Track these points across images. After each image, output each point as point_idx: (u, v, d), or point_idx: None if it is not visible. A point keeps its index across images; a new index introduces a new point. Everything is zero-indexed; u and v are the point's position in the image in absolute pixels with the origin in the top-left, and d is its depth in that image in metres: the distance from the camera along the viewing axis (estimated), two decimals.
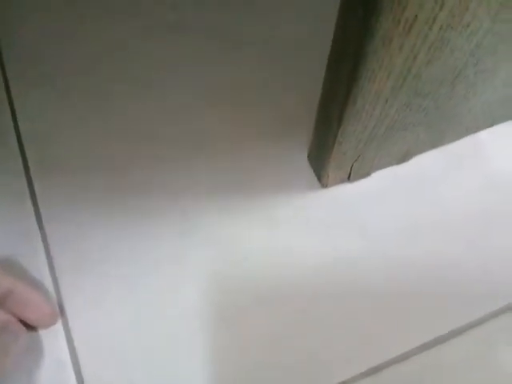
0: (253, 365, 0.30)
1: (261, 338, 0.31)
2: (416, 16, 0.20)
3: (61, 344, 0.31)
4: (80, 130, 0.37)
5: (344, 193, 0.36)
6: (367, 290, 0.33)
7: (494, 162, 0.37)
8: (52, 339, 0.31)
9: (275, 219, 0.35)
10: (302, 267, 0.33)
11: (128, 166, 0.36)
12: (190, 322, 0.31)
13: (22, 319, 0.29)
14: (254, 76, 0.40)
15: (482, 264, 0.34)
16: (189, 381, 0.30)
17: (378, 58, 0.22)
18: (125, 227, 0.34)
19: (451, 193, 0.36)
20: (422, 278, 0.33)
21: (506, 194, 0.36)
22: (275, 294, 0.32)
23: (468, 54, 0.25)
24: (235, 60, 0.41)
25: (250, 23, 0.42)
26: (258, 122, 0.38)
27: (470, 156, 0.38)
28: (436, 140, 0.36)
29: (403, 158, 0.36)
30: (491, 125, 0.38)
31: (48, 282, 0.32)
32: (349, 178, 0.35)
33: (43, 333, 0.31)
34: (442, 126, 0.33)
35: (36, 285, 0.32)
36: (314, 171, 0.36)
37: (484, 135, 0.38)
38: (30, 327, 0.30)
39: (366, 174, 0.36)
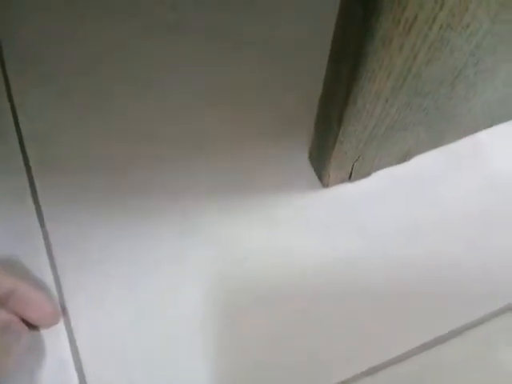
0: (253, 365, 0.30)
1: (261, 338, 0.31)
2: (416, 16, 0.20)
3: (63, 343, 0.31)
4: (80, 129, 0.37)
5: (344, 192, 0.36)
6: (367, 289, 0.33)
7: (494, 162, 0.37)
8: (54, 339, 0.31)
9: (275, 219, 0.35)
10: (302, 267, 0.33)
11: (128, 165, 0.36)
12: (189, 322, 0.31)
13: (24, 319, 0.29)
14: (253, 76, 0.40)
15: (481, 264, 0.34)
16: (189, 381, 0.30)
17: (378, 58, 0.22)
18: (125, 227, 0.34)
19: (451, 193, 0.36)
20: (421, 278, 0.33)
21: (506, 194, 0.36)
22: (275, 294, 0.32)
23: (468, 54, 0.25)
24: (235, 60, 0.41)
25: (250, 23, 0.42)
26: (258, 122, 0.38)
27: (470, 156, 0.38)
28: (436, 140, 0.36)
29: (403, 157, 0.36)
30: (491, 125, 0.38)
31: (50, 282, 0.32)
32: (350, 178, 0.35)
33: (45, 332, 0.31)
34: (442, 126, 0.33)
35: (38, 284, 0.32)
36: (315, 171, 0.36)
37: (484, 135, 0.38)
38: (32, 327, 0.30)
39: (367, 174, 0.36)
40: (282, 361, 0.31)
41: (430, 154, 0.37)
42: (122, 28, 0.42)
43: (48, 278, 0.32)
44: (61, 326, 0.31)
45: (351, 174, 0.34)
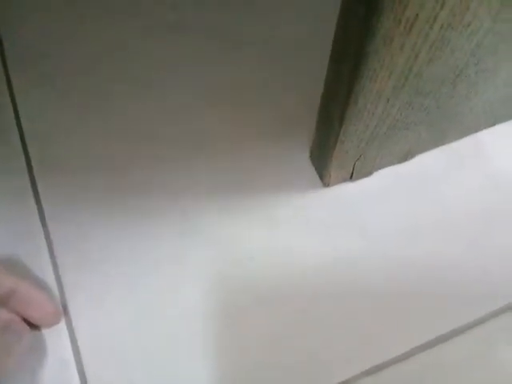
0: (253, 365, 0.30)
1: (261, 338, 0.31)
2: (417, 15, 0.20)
3: (64, 343, 0.31)
4: (80, 129, 0.37)
5: (345, 192, 0.36)
6: (367, 289, 0.33)
7: (496, 161, 0.37)
8: (55, 338, 0.31)
9: (275, 219, 0.35)
10: (302, 267, 0.33)
11: (128, 165, 0.36)
12: (190, 322, 0.31)
13: (25, 318, 0.29)
14: (254, 76, 0.40)
15: (482, 263, 0.34)
16: (189, 381, 0.30)
17: (379, 58, 0.22)
18: (125, 227, 0.34)
19: (452, 192, 0.36)
20: (422, 278, 0.33)
21: (507, 193, 0.36)
22: (275, 294, 0.32)
23: (469, 53, 0.25)
24: (235, 60, 0.41)
25: (250, 23, 0.42)
26: (258, 122, 0.38)
27: (472, 155, 0.38)
28: (437, 139, 0.36)
29: (405, 157, 0.36)
30: (493, 124, 0.38)
31: (51, 281, 0.32)
32: (351, 177, 0.35)
33: (46, 332, 0.31)
34: (444, 125, 0.33)
35: (39, 284, 0.32)
36: (316, 170, 0.36)
37: (485, 135, 0.38)
38: (33, 326, 0.30)
39: (368, 173, 0.36)
40: (282, 361, 0.30)
41: (431, 153, 0.37)
42: (121, 28, 0.42)
43: (49, 278, 0.32)
44: (62, 325, 0.31)
45: (352, 173, 0.34)
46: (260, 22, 0.42)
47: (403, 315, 0.32)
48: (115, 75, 0.40)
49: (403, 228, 0.35)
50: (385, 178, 0.36)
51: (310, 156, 0.37)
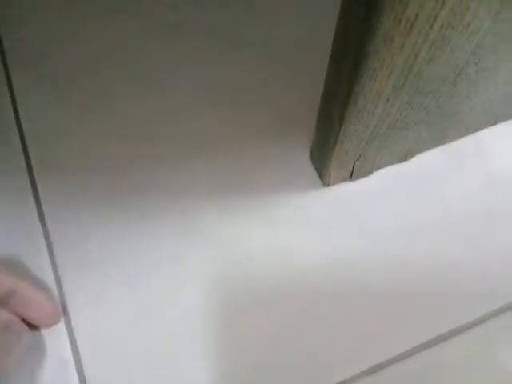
0: (253, 365, 0.30)
1: (261, 338, 0.31)
2: (417, 15, 0.20)
3: (63, 343, 0.31)
4: (80, 129, 0.37)
5: (345, 191, 0.36)
6: (367, 289, 0.33)
7: (496, 160, 0.37)
8: (54, 338, 0.31)
9: (275, 219, 0.35)
10: (302, 267, 0.33)
11: (128, 165, 0.36)
12: (190, 322, 0.31)
13: (24, 318, 0.29)
14: (254, 76, 0.40)
15: (482, 263, 0.34)
16: (189, 381, 0.30)
17: (379, 58, 0.22)
18: (125, 227, 0.34)
19: (452, 191, 0.36)
20: (422, 278, 0.33)
21: (507, 192, 0.36)
22: (275, 294, 0.32)
23: (469, 52, 0.25)
24: (235, 60, 0.41)
25: (250, 23, 0.42)
26: (258, 122, 0.38)
27: (472, 155, 0.38)
28: (437, 139, 0.36)
29: (405, 156, 0.36)
30: (493, 123, 0.38)
31: (51, 281, 0.32)
32: (351, 177, 0.35)
33: (46, 332, 0.31)
34: (444, 125, 0.33)
35: (39, 284, 0.32)
36: (316, 170, 0.36)
37: (485, 134, 0.38)
38: (32, 326, 0.30)
39: (368, 173, 0.36)
40: (282, 361, 0.30)
41: (431, 153, 0.37)
42: (122, 28, 0.42)
43: (49, 278, 0.32)
44: (61, 325, 0.31)
45: (352, 173, 0.34)
46: (260, 22, 0.42)
47: (403, 315, 0.32)
48: (115, 75, 0.40)
49: (403, 227, 0.35)
50: (385, 177, 0.36)
51: (310, 156, 0.37)
